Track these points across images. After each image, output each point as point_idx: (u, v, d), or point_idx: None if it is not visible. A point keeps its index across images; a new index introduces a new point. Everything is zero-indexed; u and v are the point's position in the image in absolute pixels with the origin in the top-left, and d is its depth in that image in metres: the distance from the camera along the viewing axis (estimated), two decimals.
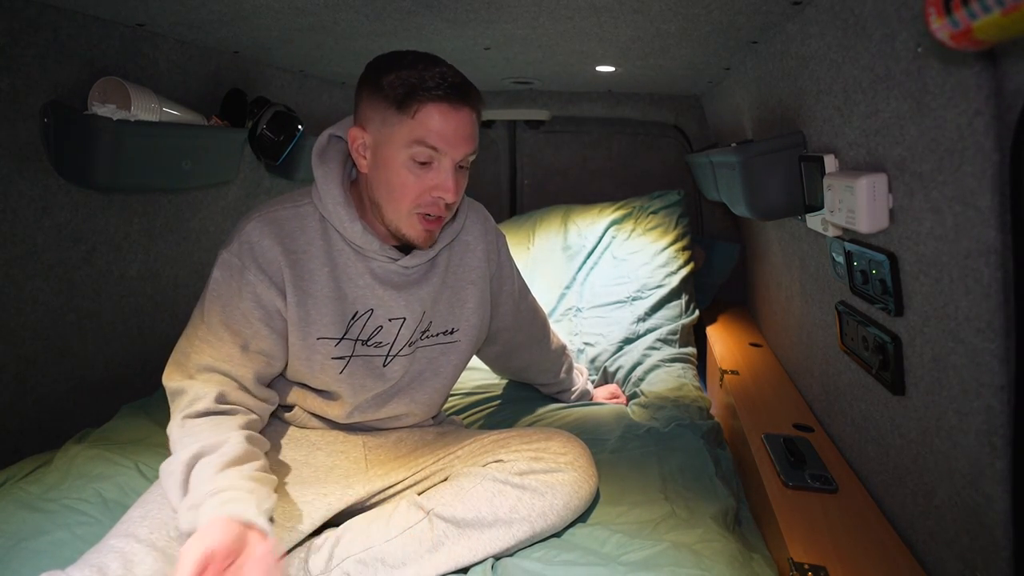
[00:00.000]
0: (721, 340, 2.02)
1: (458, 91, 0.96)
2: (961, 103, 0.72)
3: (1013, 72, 0.65)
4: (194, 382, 0.97)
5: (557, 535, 1.04)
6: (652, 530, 1.03)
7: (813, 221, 1.22)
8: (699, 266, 2.22)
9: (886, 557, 0.94)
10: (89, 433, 1.28)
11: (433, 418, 1.26)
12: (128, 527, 0.87)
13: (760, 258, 2.03)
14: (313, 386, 1.11)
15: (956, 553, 0.84)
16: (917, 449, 0.93)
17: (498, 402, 1.57)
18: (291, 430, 1.14)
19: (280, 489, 1.02)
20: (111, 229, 1.49)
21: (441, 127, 0.95)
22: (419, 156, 0.96)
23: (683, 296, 2.00)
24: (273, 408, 1.09)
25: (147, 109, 1.36)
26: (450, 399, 1.57)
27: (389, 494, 1.09)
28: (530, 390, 1.61)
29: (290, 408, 1.14)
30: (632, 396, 1.65)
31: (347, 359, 1.07)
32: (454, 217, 1.15)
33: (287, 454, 1.10)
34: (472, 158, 1.01)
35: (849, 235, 1.08)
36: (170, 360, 1.02)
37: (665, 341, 1.84)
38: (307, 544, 0.99)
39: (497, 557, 0.99)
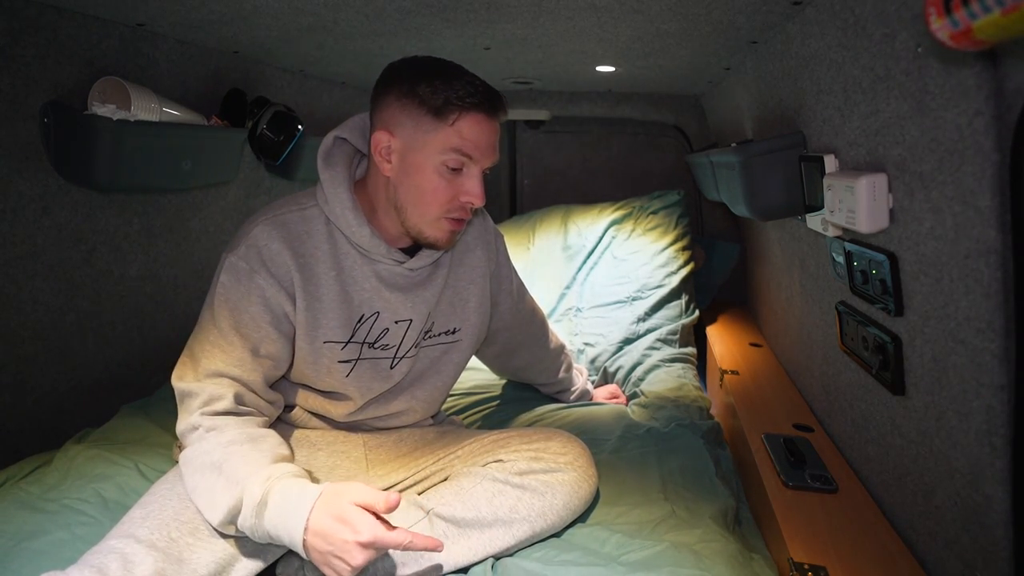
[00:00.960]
0: (721, 340, 2.02)
1: (493, 102, 1.00)
2: (961, 103, 0.72)
3: (1013, 72, 0.65)
4: (206, 384, 0.97)
5: (557, 535, 1.04)
6: (652, 530, 1.03)
7: (813, 221, 1.22)
8: (699, 266, 2.22)
9: (886, 557, 0.94)
10: (89, 433, 1.28)
11: (433, 418, 1.27)
12: (128, 528, 0.87)
13: (760, 258, 2.03)
14: (319, 388, 1.11)
15: (956, 553, 0.84)
16: (917, 449, 0.93)
17: (498, 402, 1.57)
18: (293, 431, 1.14)
19: None
20: (111, 229, 1.49)
21: (477, 136, 0.98)
22: (452, 163, 0.98)
23: (683, 296, 2.00)
24: (280, 411, 1.09)
25: (147, 109, 1.36)
26: (450, 399, 1.57)
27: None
28: (530, 390, 1.61)
29: (291, 408, 1.14)
30: (632, 396, 1.65)
31: (353, 362, 1.07)
32: None
33: None
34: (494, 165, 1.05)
35: (849, 235, 1.08)
36: (180, 361, 1.01)
37: (665, 341, 1.84)
38: None
39: (497, 557, 0.99)
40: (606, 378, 1.82)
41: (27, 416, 1.34)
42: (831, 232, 1.14)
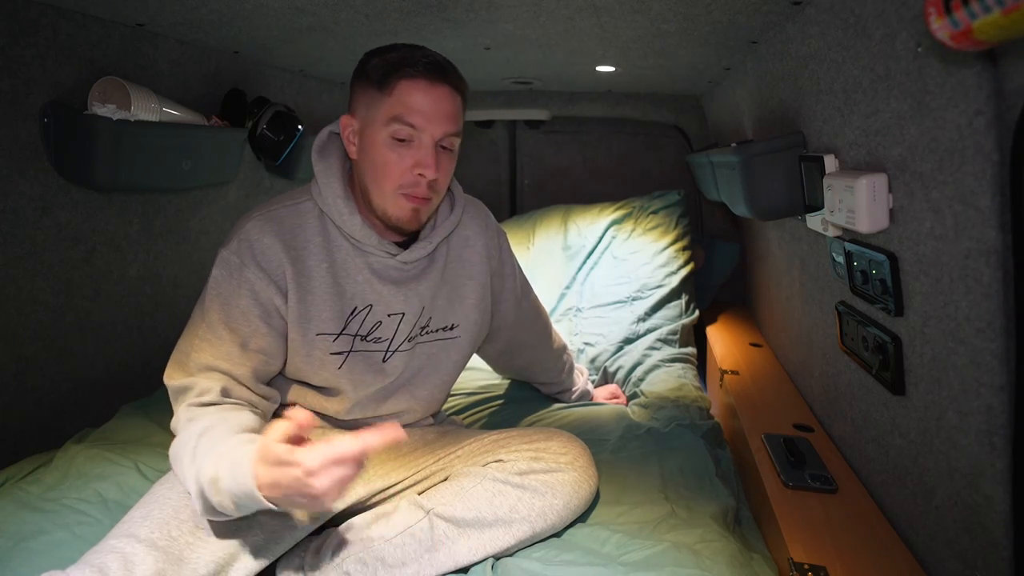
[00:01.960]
0: (721, 340, 2.02)
1: (436, 68, 0.97)
2: (961, 103, 0.72)
3: (1013, 72, 0.65)
4: (196, 379, 0.97)
5: (557, 535, 1.04)
6: (652, 530, 1.03)
7: (813, 221, 1.22)
8: (699, 266, 2.22)
9: (886, 557, 0.94)
10: (89, 433, 1.28)
11: (433, 417, 1.26)
12: (129, 527, 0.87)
13: (760, 258, 2.03)
14: (313, 383, 1.11)
15: (956, 553, 0.84)
16: (917, 449, 0.93)
17: (499, 402, 1.57)
18: None
19: None
20: (111, 229, 1.49)
21: (418, 103, 0.97)
22: (398, 133, 0.97)
23: (683, 296, 2.00)
24: (275, 406, 1.09)
25: (147, 109, 1.36)
26: (451, 399, 1.57)
27: (389, 494, 1.10)
28: (531, 390, 1.61)
29: (290, 407, 1.14)
30: (632, 396, 1.65)
31: (346, 354, 1.07)
32: (451, 210, 1.15)
33: None
34: (456, 140, 1.02)
35: (849, 235, 1.08)
36: (171, 359, 1.02)
37: (665, 341, 1.84)
38: (307, 544, 0.99)
39: (497, 557, 0.99)
40: (606, 378, 1.82)
41: (27, 416, 1.33)
42: (831, 232, 1.14)
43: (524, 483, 1.02)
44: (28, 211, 1.28)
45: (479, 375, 1.72)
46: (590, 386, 1.62)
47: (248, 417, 0.95)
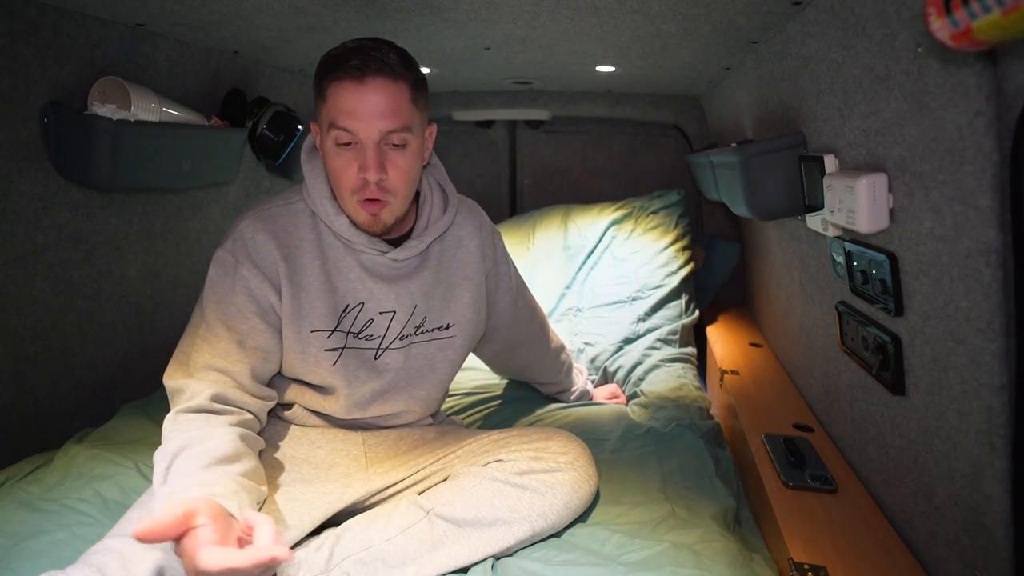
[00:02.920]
0: (721, 340, 2.02)
1: (364, 65, 0.92)
2: (961, 103, 0.72)
3: (1013, 72, 0.65)
4: (191, 380, 0.98)
5: (557, 535, 1.04)
6: (652, 530, 1.03)
7: (813, 221, 1.22)
8: (699, 266, 2.22)
9: (886, 557, 0.94)
10: (89, 433, 1.28)
11: (433, 417, 1.26)
12: (127, 527, 0.87)
13: (760, 258, 2.03)
14: (309, 381, 1.11)
15: (956, 553, 0.84)
16: (917, 449, 0.93)
17: (498, 402, 1.57)
18: (291, 428, 1.14)
19: (280, 487, 1.03)
20: (111, 229, 1.49)
21: (347, 105, 0.93)
22: (339, 139, 0.96)
23: (683, 296, 2.00)
24: (272, 406, 1.09)
25: (147, 109, 1.36)
26: (450, 399, 1.57)
27: (389, 494, 1.10)
28: (530, 390, 1.61)
29: (290, 406, 1.14)
30: (632, 396, 1.65)
31: (339, 351, 1.08)
32: (444, 210, 1.14)
33: (287, 452, 1.10)
34: (404, 135, 0.96)
35: (849, 235, 1.08)
36: (171, 359, 1.03)
37: (665, 341, 1.84)
38: (306, 543, 0.99)
39: (497, 557, 0.99)
40: (606, 378, 1.82)
41: (27, 416, 1.33)
42: (831, 232, 1.14)
43: (524, 483, 1.02)
44: (28, 211, 1.28)
45: (477, 375, 1.72)
46: (589, 386, 1.62)
47: (225, 439, 0.91)
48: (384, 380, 1.12)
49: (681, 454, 1.25)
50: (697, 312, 2.02)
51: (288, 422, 1.16)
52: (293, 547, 0.97)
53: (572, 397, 1.57)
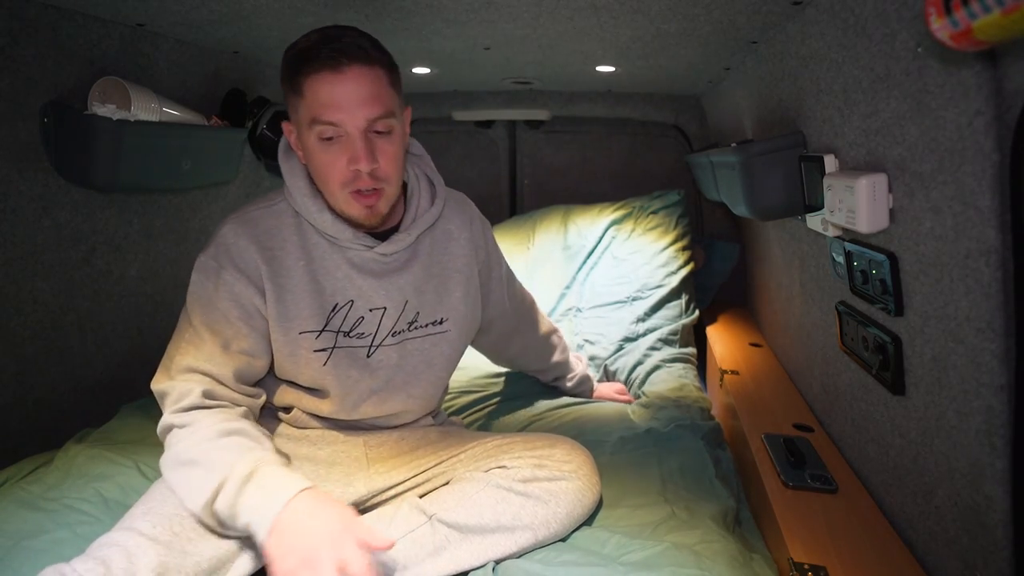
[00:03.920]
0: (721, 340, 2.02)
1: (338, 53, 0.90)
2: (961, 103, 0.72)
3: (1013, 72, 0.65)
4: (176, 382, 0.98)
5: None
6: (652, 531, 1.03)
7: (813, 221, 1.22)
8: (699, 266, 2.22)
9: (886, 557, 0.94)
10: (89, 433, 1.28)
11: (433, 417, 1.26)
12: (131, 522, 0.88)
13: (760, 258, 2.03)
14: (301, 383, 1.10)
15: (956, 553, 0.84)
16: (917, 449, 0.93)
17: (497, 400, 1.57)
18: (292, 431, 1.14)
19: None
20: (111, 229, 1.49)
21: (328, 97, 0.91)
22: (323, 134, 0.94)
23: (683, 296, 2.00)
24: (261, 404, 1.09)
25: (147, 109, 1.36)
26: (449, 398, 1.57)
27: (390, 495, 1.09)
28: (528, 387, 1.61)
29: (288, 410, 1.14)
30: (634, 396, 1.65)
31: (329, 350, 1.07)
32: (432, 203, 1.13)
33: (287, 451, 1.10)
34: (389, 121, 0.95)
35: (849, 235, 1.08)
36: (159, 365, 1.03)
37: (665, 341, 1.84)
38: None
39: (498, 560, 0.99)
40: (607, 377, 1.82)
41: (27, 416, 1.34)
42: (831, 232, 1.14)
43: (527, 491, 1.02)
44: (28, 211, 1.28)
45: (477, 374, 1.72)
46: (591, 371, 1.61)
47: (250, 430, 0.97)
48: (379, 378, 1.11)
49: (681, 455, 1.25)
50: (697, 312, 2.02)
51: (288, 424, 1.15)
52: None
53: (571, 383, 1.56)
